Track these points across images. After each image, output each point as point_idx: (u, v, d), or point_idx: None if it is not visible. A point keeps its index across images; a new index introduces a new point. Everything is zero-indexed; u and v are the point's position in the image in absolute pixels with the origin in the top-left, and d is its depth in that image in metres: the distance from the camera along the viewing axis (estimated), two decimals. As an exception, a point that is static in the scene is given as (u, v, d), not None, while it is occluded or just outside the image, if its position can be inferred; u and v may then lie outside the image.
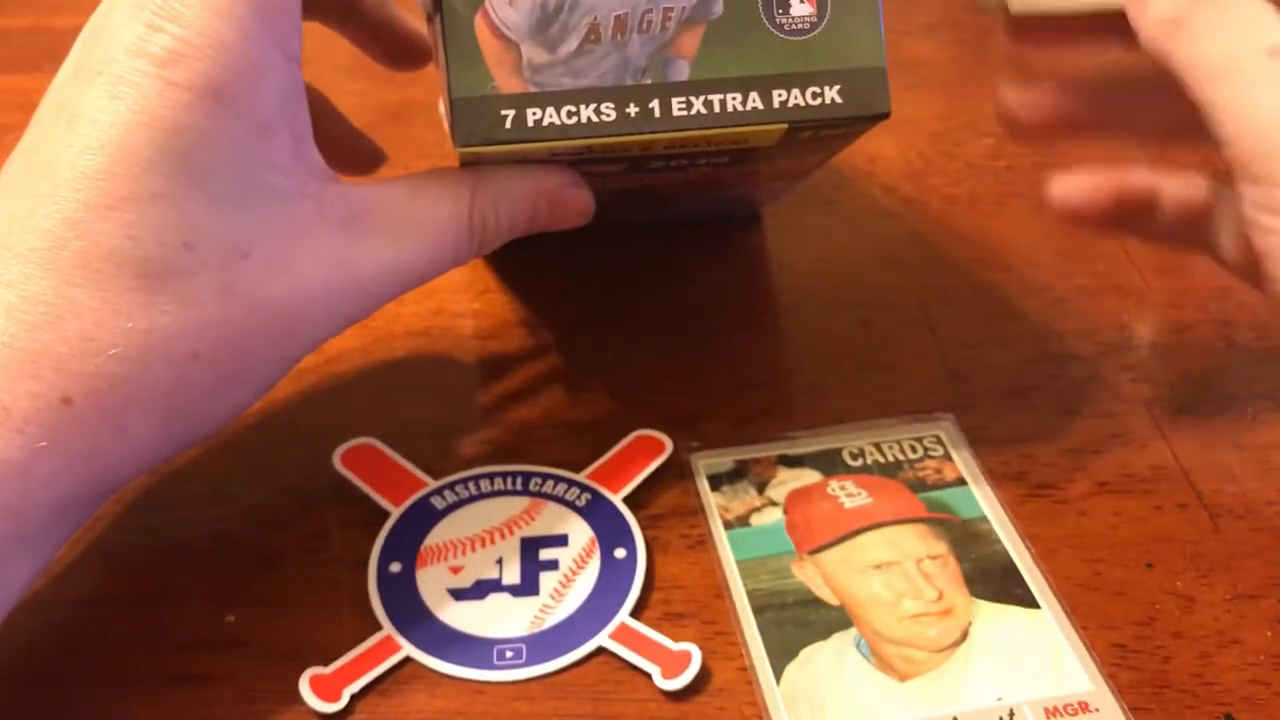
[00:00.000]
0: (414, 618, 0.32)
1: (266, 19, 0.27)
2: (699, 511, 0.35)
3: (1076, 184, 0.34)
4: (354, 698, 0.30)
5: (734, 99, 0.29)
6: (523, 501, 0.35)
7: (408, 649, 0.31)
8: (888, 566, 0.33)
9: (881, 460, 0.36)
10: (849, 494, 0.35)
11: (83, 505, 0.28)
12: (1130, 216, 0.34)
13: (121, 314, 0.26)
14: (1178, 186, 0.34)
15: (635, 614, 0.32)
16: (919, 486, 0.36)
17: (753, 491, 0.36)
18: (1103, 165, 0.35)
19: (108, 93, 0.26)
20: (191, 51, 0.26)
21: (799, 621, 0.32)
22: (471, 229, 0.31)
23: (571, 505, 0.35)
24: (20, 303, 0.26)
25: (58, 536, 0.28)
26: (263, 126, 0.28)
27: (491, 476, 0.36)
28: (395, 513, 0.35)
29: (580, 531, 0.34)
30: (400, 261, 0.31)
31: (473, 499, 0.35)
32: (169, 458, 0.29)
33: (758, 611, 0.32)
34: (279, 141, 0.28)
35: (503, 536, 0.34)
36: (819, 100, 0.30)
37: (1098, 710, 0.29)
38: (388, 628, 0.32)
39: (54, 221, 0.26)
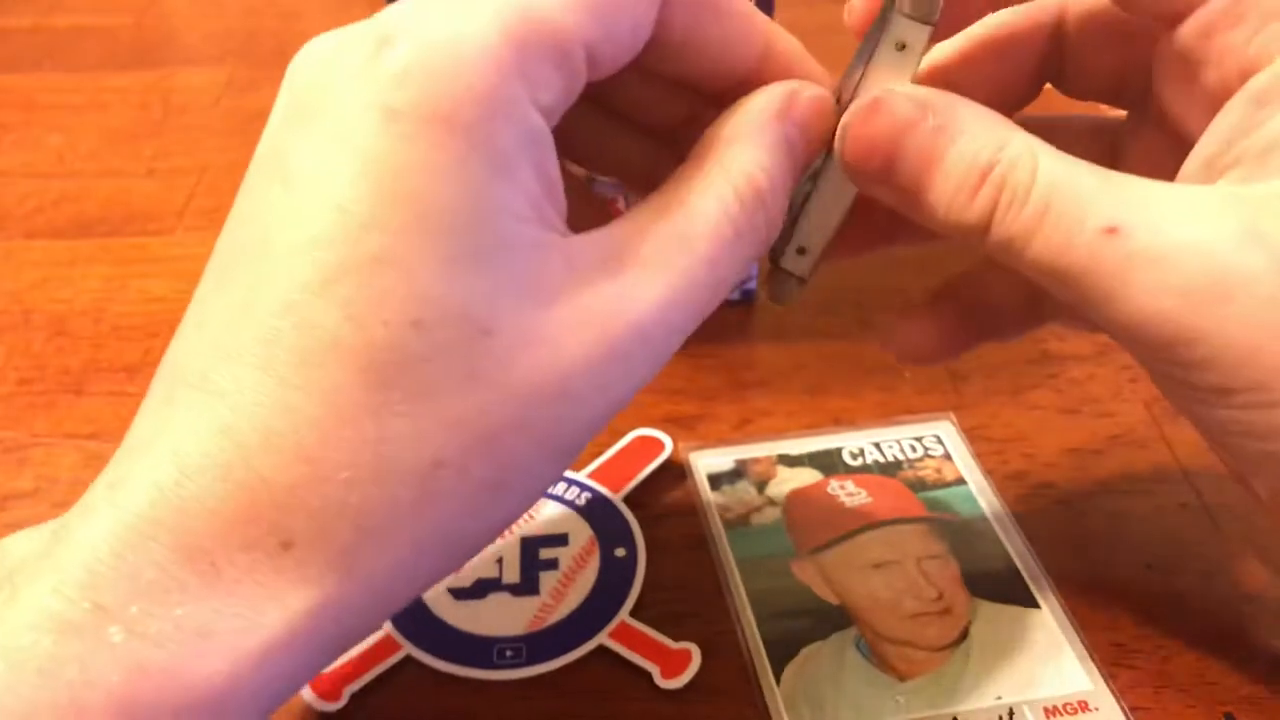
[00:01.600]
0: (414, 617, 0.32)
1: (519, 51, 0.22)
2: (699, 511, 0.35)
3: (911, 335, 0.31)
4: (354, 696, 0.30)
5: None
6: (523, 501, 0.35)
7: (408, 648, 0.31)
8: (887, 566, 0.33)
9: (881, 460, 0.36)
10: (849, 493, 0.35)
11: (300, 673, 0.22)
12: (985, 325, 0.31)
13: (348, 422, 0.21)
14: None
15: (635, 613, 0.32)
16: (919, 486, 0.36)
17: (752, 491, 0.36)
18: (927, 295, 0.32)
19: (326, 135, 0.22)
20: (418, 71, 0.22)
21: (798, 621, 0.32)
22: (745, 206, 0.25)
23: (571, 504, 0.35)
24: (235, 420, 0.21)
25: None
26: (502, 163, 0.22)
27: (491, 476, 0.36)
28: (395, 512, 0.35)
29: (580, 531, 0.34)
30: (680, 288, 0.24)
31: (473, 498, 0.35)
32: (412, 598, 0.23)
33: (757, 611, 0.32)
34: (521, 184, 0.23)
35: (503, 536, 0.34)
36: None
37: (1097, 710, 0.29)
38: (388, 627, 0.32)
39: (269, 310, 0.21)
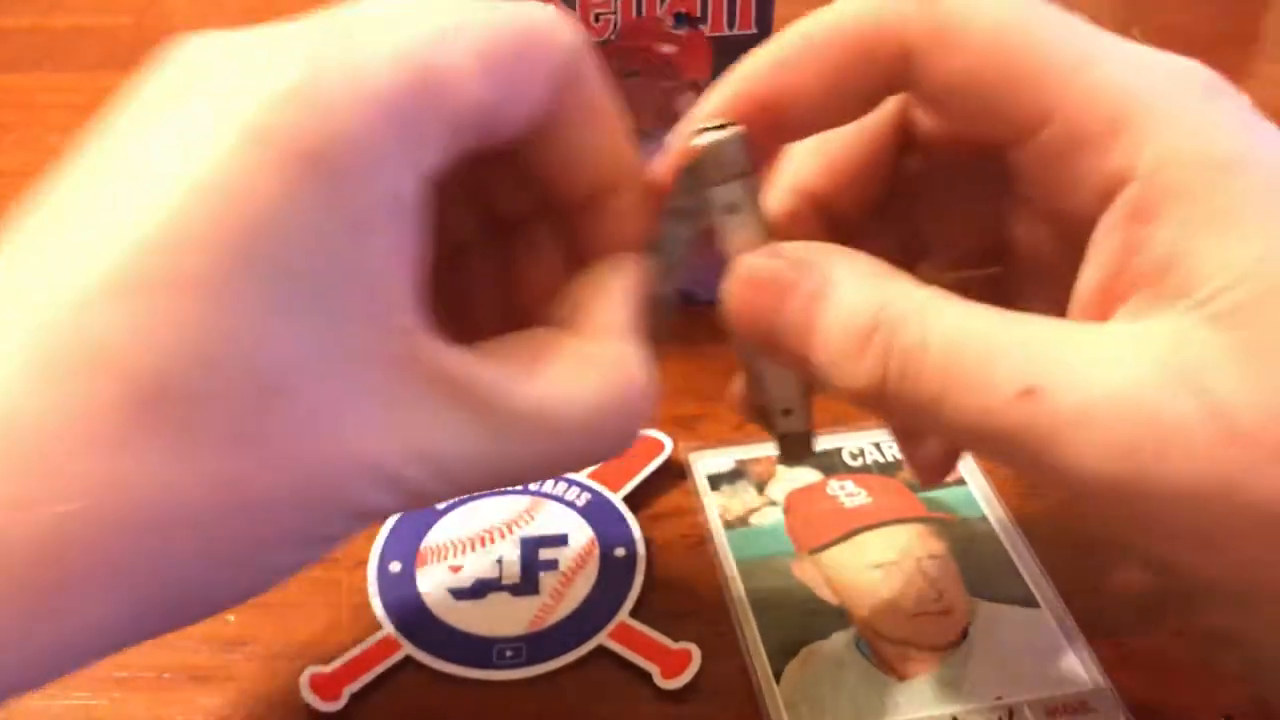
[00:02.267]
0: (414, 617, 0.32)
1: (414, 102, 0.20)
2: (699, 511, 0.35)
3: (934, 465, 0.29)
4: (354, 697, 0.30)
5: None
6: (522, 501, 0.35)
7: (408, 648, 0.31)
8: (887, 566, 0.33)
9: (881, 460, 0.36)
10: (849, 494, 0.35)
11: None
12: None
13: (97, 446, 0.18)
14: None
15: (635, 613, 0.32)
16: (919, 486, 0.36)
17: (752, 491, 0.36)
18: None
19: (185, 134, 0.20)
20: (301, 98, 0.19)
21: (798, 621, 0.32)
22: (622, 406, 0.23)
23: (571, 505, 0.35)
24: None
25: None
26: (362, 222, 0.20)
27: (491, 476, 0.36)
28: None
29: (580, 531, 0.34)
30: (505, 456, 0.22)
31: (472, 498, 0.35)
32: (122, 648, 0.20)
33: (757, 611, 0.32)
34: (379, 248, 0.20)
35: (502, 536, 0.34)
36: None
37: (1097, 710, 0.29)
38: (388, 627, 0.32)
39: (48, 300, 0.19)
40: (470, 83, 0.21)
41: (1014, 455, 0.21)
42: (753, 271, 0.24)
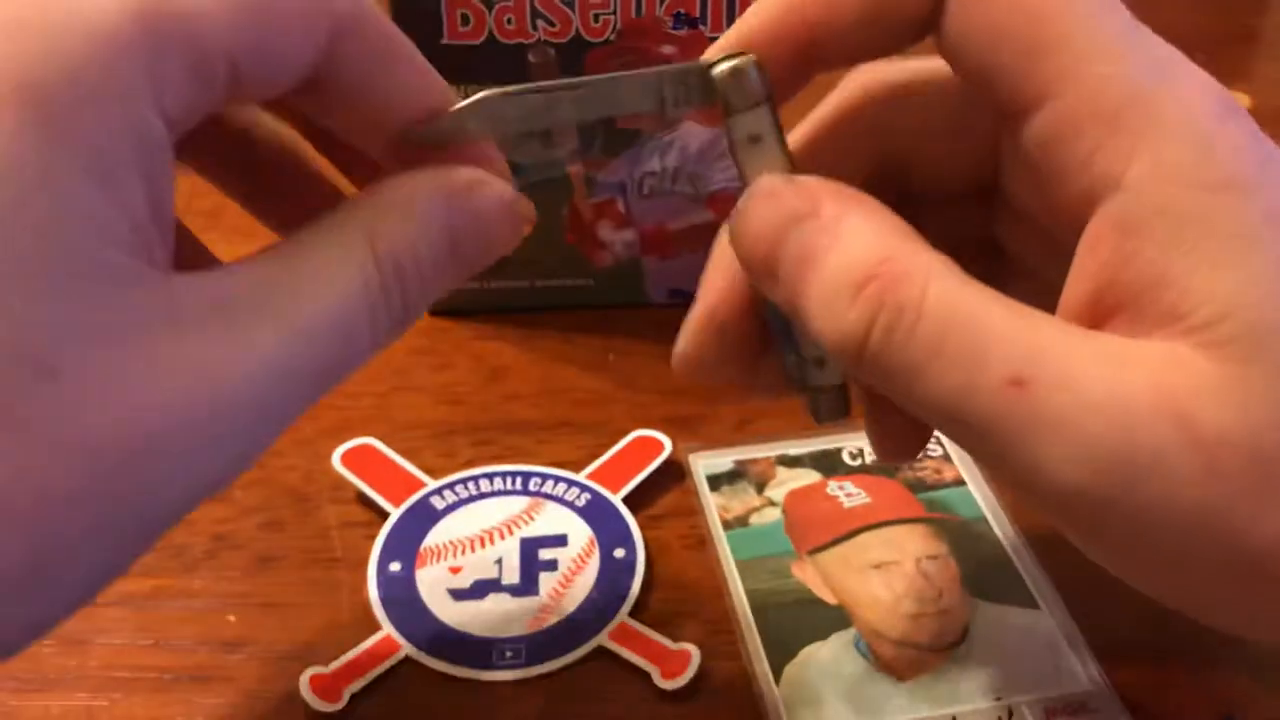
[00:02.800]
0: (414, 618, 0.32)
1: (148, 37, 0.19)
2: (698, 511, 0.35)
3: (895, 444, 0.28)
4: (354, 697, 0.30)
5: None
6: (522, 501, 0.35)
7: (408, 649, 0.31)
8: (887, 566, 0.33)
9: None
10: (848, 494, 0.35)
11: None
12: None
13: None
14: None
15: (634, 614, 0.32)
16: (918, 486, 0.36)
17: (752, 491, 0.36)
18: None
19: None
20: (16, 28, 0.18)
21: (798, 621, 0.32)
22: (384, 280, 0.22)
23: (571, 505, 0.35)
24: None
25: None
26: (99, 167, 0.18)
27: (491, 476, 0.36)
28: (395, 513, 0.35)
29: (580, 531, 0.34)
30: (297, 354, 0.21)
31: (472, 499, 0.35)
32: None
33: (757, 611, 0.32)
34: (121, 197, 0.19)
35: (502, 536, 0.34)
36: None
37: (1097, 710, 0.29)
38: (387, 628, 0.32)
39: None
40: (213, 22, 0.19)
41: (984, 443, 0.21)
42: (770, 190, 0.23)
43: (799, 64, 0.24)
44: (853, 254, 0.21)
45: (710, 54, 0.24)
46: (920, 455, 0.33)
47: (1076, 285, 0.22)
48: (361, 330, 0.22)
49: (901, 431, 0.27)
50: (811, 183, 0.23)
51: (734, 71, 0.24)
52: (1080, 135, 0.21)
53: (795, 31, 0.24)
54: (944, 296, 0.21)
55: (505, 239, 0.25)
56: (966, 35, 0.23)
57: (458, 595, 0.33)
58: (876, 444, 0.27)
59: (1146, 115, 0.21)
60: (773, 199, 0.23)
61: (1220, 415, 0.19)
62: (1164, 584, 0.21)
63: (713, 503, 0.35)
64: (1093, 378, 0.20)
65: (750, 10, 0.24)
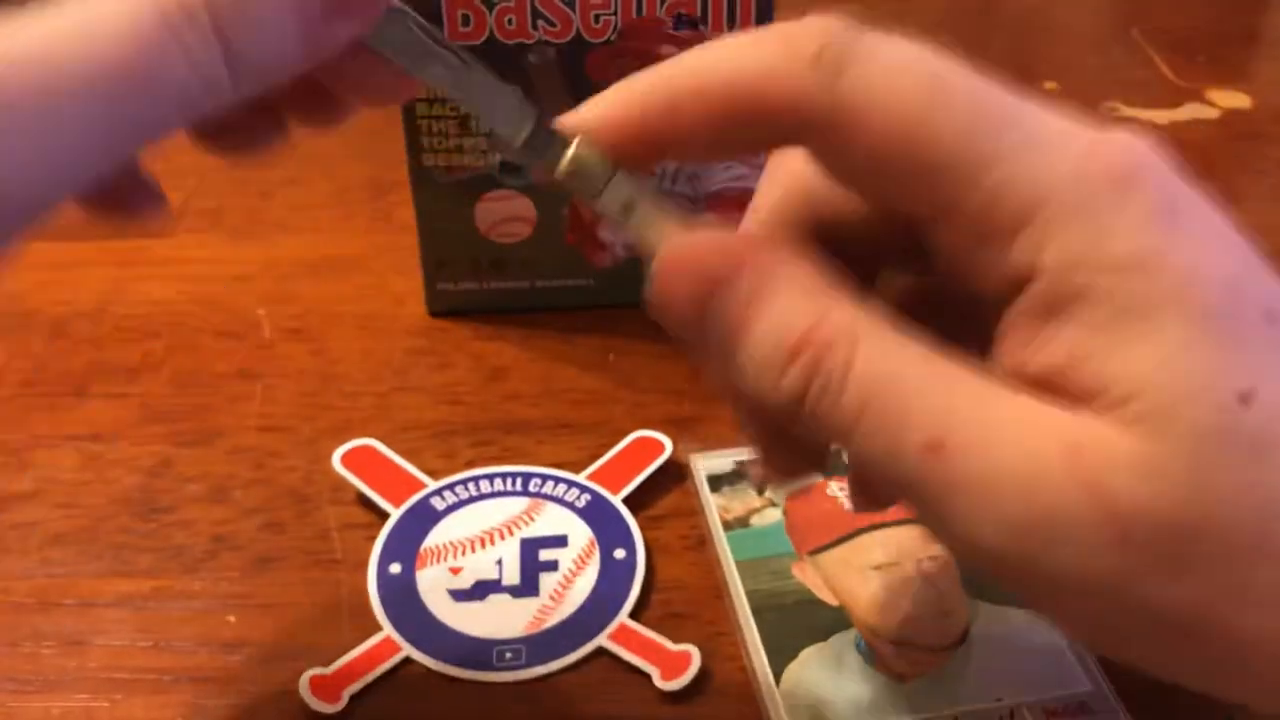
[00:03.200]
0: (414, 618, 0.32)
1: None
2: (699, 512, 0.35)
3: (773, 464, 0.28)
4: (354, 698, 0.30)
5: None
6: (523, 502, 0.35)
7: (408, 650, 0.31)
8: (887, 567, 0.33)
9: (881, 461, 0.36)
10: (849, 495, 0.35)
11: None
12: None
13: None
14: None
15: (635, 615, 0.32)
16: (919, 487, 0.35)
17: (753, 492, 0.36)
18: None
19: None
20: None
21: (799, 622, 0.32)
22: (170, 20, 0.21)
23: (571, 506, 0.35)
24: None
25: None
26: None
27: (491, 477, 0.36)
28: (395, 513, 0.35)
29: (580, 532, 0.34)
30: (68, 62, 0.21)
31: (473, 500, 0.35)
32: None
33: (757, 612, 0.32)
34: None
35: (502, 537, 0.34)
36: None
37: (1097, 711, 0.29)
38: (388, 629, 0.32)
39: None
40: None
41: (914, 504, 0.21)
42: (704, 248, 0.22)
43: (650, 155, 0.24)
44: (783, 320, 0.22)
45: (560, 122, 0.23)
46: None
47: (1000, 363, 0.22)
48: (169, 55, 0.22)
49: (791, 455, 0.27)
50: (736, 243, 0.23)
51: (571, 167, 0.23)
52: (989, 241, 0.21)
53: (639, 133, 0.23)
54: (868, 363, 0.21)
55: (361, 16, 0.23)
56: (847, 170, 0.22)
57: (458, 596, 0.33)
58: (767, 468, 0.28)
59: (1045, 208, 0.21)
60: (696, 258, 0.22)
61: (1133, 488, 0.20)
62: (1096, 641, 0.22)
63: (713, 503, 0.35)
64: (1010, 444, 0.20)
65: (589, 103, 0.23)
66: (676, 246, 0.22)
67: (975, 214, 0.21)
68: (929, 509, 0.21)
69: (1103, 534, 0.20)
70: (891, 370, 0.21)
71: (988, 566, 0.21)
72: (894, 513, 0.35)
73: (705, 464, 0.37)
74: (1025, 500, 0.20)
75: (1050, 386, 0.21)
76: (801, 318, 0.21)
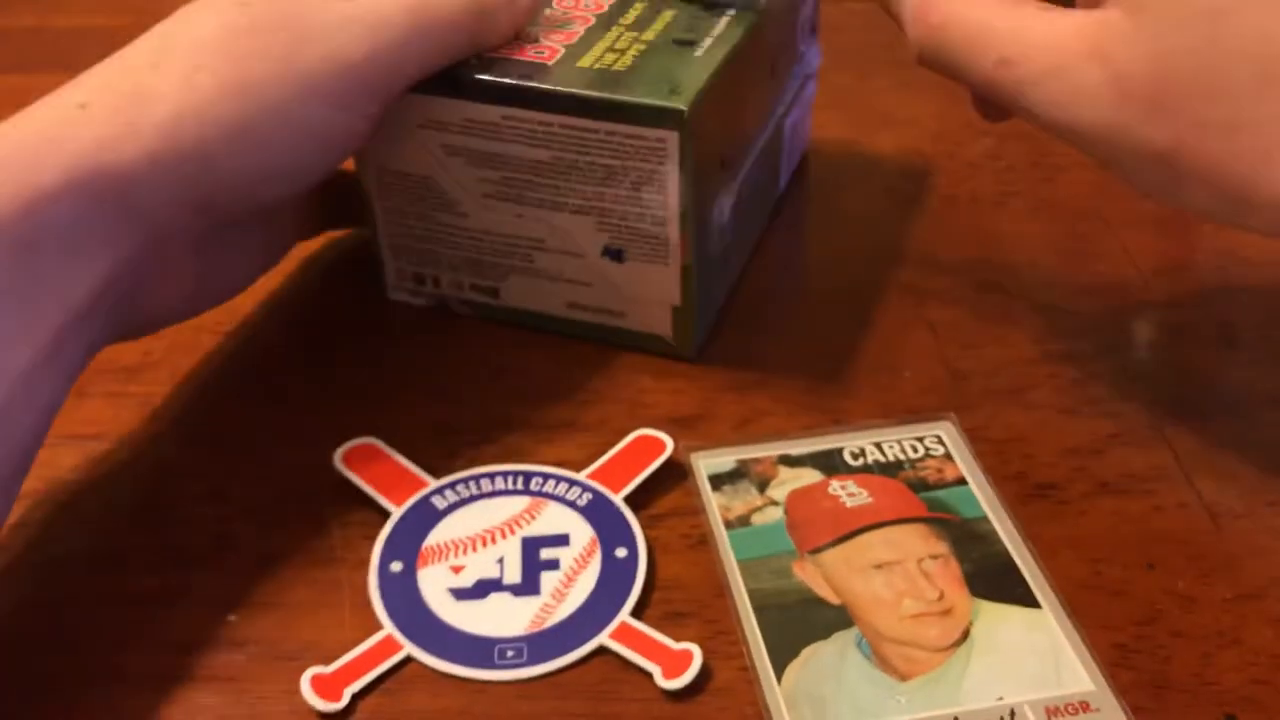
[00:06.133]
0: (415, 617, 0.32)
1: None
2: (700, 511, 0.35)
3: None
4: (355, 697, 0.30)
5: None
6: (523, 501, 0.35)
7: (409, 648, 0.31)
8: (889, 566, 0.33)
9: (882, 460, 0.36)
10: (850, 494, 0.35)
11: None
12: None
13: None
14: None
15: (636, 614, 0.32)
16: (920, 486, 0.36)
17: (753, 491, 0.36)
18: None
19: None
20: None
21: (800, 621, 0.32)
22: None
23: (572, 505, 0.35)
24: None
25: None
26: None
27: (492, 476, 0.36)
28: (396, 512, 0.35)
29: (581, 531, 0.34)
30: None
31: (474, 499, 0.35)
32: None
33: (758, 611, 0.32)
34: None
35: (504, 536, 0.34)
36: None
37: (1098, 710, 0.29)
38: (389, 627, 0.32)
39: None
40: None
41: (1003, 104, 0.33)
42: None
43: None
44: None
45: None
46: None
47: None
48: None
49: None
50: None
51: None
52: None
53: None
54: (953, 13, 0.32)
55: None
56: None
57: (459, 595, 0.33)
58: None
59: None
60: None
61: (1132, 56, 0.29)
62: (1124, 173, 0.32)
63: (714, 502, 0.35)
64: (1053, 48, 0.31)
65: None
66: None
67: None
68: (1011, 105, 0.32)
69: (1110, 93, 0.30)
70: (972, 16, 0.32)
71: (1060, 137, 0.32)
72: (895, 512, 0.35)
73: (706, 463, 0.37)
74: (1063, 81, 0.30)
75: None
76: None
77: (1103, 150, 0.31)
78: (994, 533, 0.34)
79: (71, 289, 0.30)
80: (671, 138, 0.35)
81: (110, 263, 0.31)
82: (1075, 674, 0.30)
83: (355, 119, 0.35)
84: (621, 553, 0.34)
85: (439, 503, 0.35)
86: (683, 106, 0.35)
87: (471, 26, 0.37)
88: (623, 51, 0.37)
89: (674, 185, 0.36)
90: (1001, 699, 0.29)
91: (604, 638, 0.31)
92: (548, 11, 0.40)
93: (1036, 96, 0.31)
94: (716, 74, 0.36)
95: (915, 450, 0.37)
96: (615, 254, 0.38)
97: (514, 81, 0.36)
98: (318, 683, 0.30)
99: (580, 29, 0.39)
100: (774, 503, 0.35)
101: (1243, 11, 0.27)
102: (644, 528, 0.34)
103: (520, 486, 0.36)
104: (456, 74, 0.37)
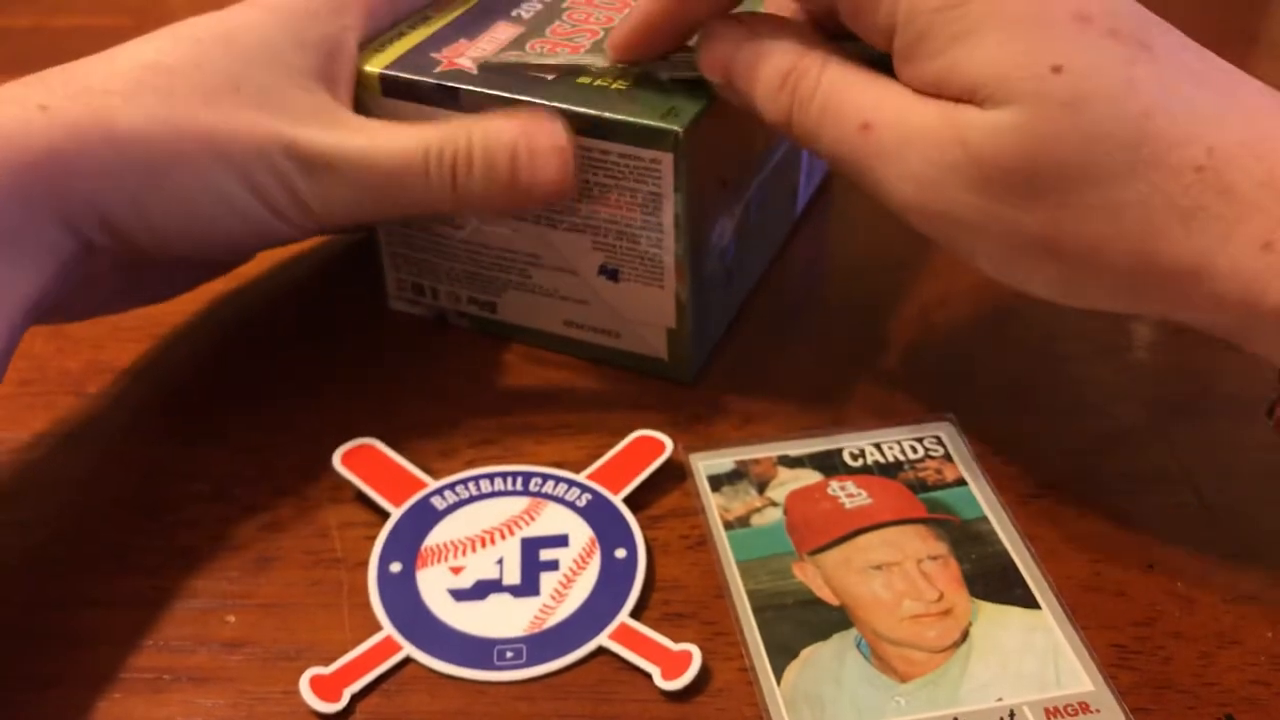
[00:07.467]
0: (414, 618, 0.32)
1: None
2: (699, 512, 0.35)
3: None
4: (354, 698, 0.30)
5: None
6: (523, 501, 0.35)
7: (408, 649, 0.31)
8: (888, 567, 0.33)
9: (882, 460, 0.36)
10: (849, 494, 0.35)
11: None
12: None
13: None
14: None
15: (635, 614, 0.32)
16: (919, 487, 0.36)
17: (753, 492, 0.36)
18: None
19: None
20: None
21: (799, 622, 0.32)
22: (444, 141, 0.34)
23: (572, 505, 0.35)
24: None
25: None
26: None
27: (491, 477, 0.36)
28: (395, 513, 0.35)
29: (580, 532, 0.34)
30: (371, 163, 0.34)
31: (473, 499, 0.35)
32: None
33: (758, 612, 0.32)
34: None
35: (503, 537, 0.34)
36: None
37: (1098, 711, 0.29)
38: (388, 628, 0.32)
39: None
40: None
41: (857, 178, 0.31)
42: (720, 28, 0.33)
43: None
44: (776, 61, 0.32)
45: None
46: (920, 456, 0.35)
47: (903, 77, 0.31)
48: (416, 175, 0.34)
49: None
50: (745, 17, 0.33)
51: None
52: (859, 14, 0.31)
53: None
54: (829, 79, 0.31)
55: (549, 174, 0.35)
56: None
57: (458, 595, 0.33)
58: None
59: None
60: (718, 35, 0.33)
61: (985, 141, 0.28)
62: (987, 261, 0.31)
63: (713, 503, 0.35)
64: (911, 120, 0.30)
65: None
66: (709, 29, 0.34)
67: None
68: (866, 177, 0.31)
69: (972, 176, 0.29)
70: (842, 82, 0.31)
71: (912, 219, 0.31)
72: (894, 513, 0.35)
73: (705, 464, 0.37)
74: (923, 158, 0.29)
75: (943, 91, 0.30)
76: (788, 57, 0.32)
77: (955, 233, 0.30)
78: (993, 533, 0.34)
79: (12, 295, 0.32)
80: (667, 159, 0.35)
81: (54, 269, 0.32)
82: (1075, 675, 0.30)
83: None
84: (621, 553, 0.34)
85: (438, 503, 0.35)
86: (678, 128, 0.34)
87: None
88: (624, 71, 0.37)
89: (669, 207, 0.36)
90: (1001, 700, 0.29)
91: (603, 638, 0.31)
92: (550, 27, 0.40)
93: (892, 170, 0.30)
94: (717, 95, 0.36)
95: (915, 451, 0.37)
96: (611, 273, 0.38)
97: (512, 96, 0.36)
98: (317, 683, 0.30)
99: (587, 42, 0.38)
100: (773, 503, 0.35)
101: (1094, 101, 0.27)
102: (643, 528, 0.34)
103: (519, 487, 0.36)
104: (455, 87, 0.36)
